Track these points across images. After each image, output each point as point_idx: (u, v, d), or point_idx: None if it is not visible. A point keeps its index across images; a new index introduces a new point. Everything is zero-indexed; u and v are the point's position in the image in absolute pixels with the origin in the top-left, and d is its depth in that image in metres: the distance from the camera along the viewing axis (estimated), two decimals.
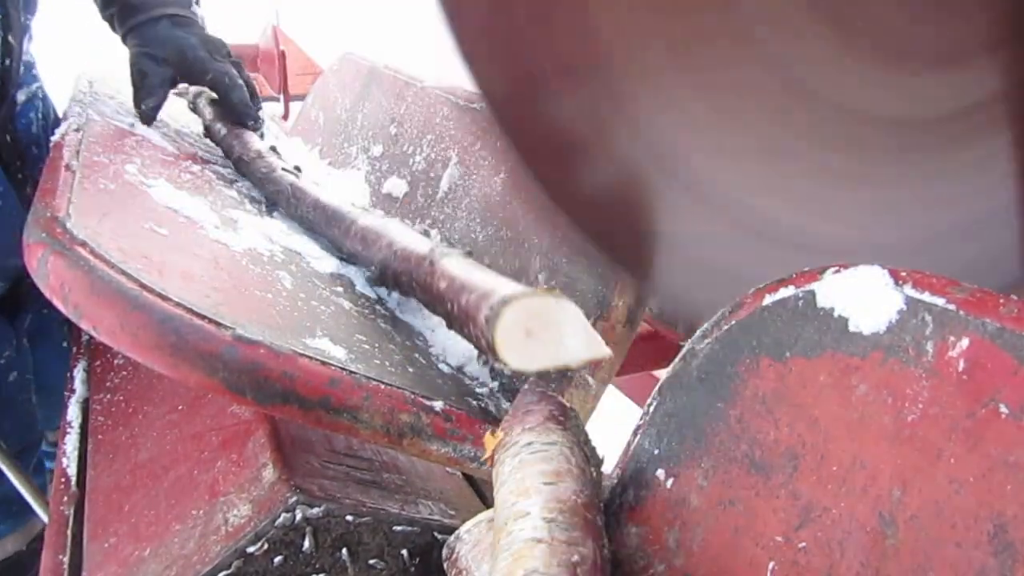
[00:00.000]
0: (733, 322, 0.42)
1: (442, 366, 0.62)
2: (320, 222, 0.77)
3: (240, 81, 1.03)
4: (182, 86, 1.14)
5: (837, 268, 0.38)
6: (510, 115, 0.54)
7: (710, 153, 0.55)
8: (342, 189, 1.00)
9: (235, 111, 1.02)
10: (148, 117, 0.95)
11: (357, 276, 0.76)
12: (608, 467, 0.49)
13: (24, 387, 1.03)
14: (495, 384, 0.61)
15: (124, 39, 1.00)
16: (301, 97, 1.49)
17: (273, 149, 0.94)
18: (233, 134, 1.00)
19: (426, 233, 0.77)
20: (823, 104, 0.54)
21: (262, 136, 1.04)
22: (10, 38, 0.90)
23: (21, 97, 0.99)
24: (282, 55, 1.86)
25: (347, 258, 0.74)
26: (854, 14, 0.52)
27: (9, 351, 1.00)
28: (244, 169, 0.92)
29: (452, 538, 0.47)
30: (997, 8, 0.53)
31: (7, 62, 0.91)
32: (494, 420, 0.54)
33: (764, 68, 0.53)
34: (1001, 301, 0.32)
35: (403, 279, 0.63)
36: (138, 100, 0.96)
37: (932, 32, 0.53)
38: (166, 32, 0.97)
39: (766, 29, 0.51)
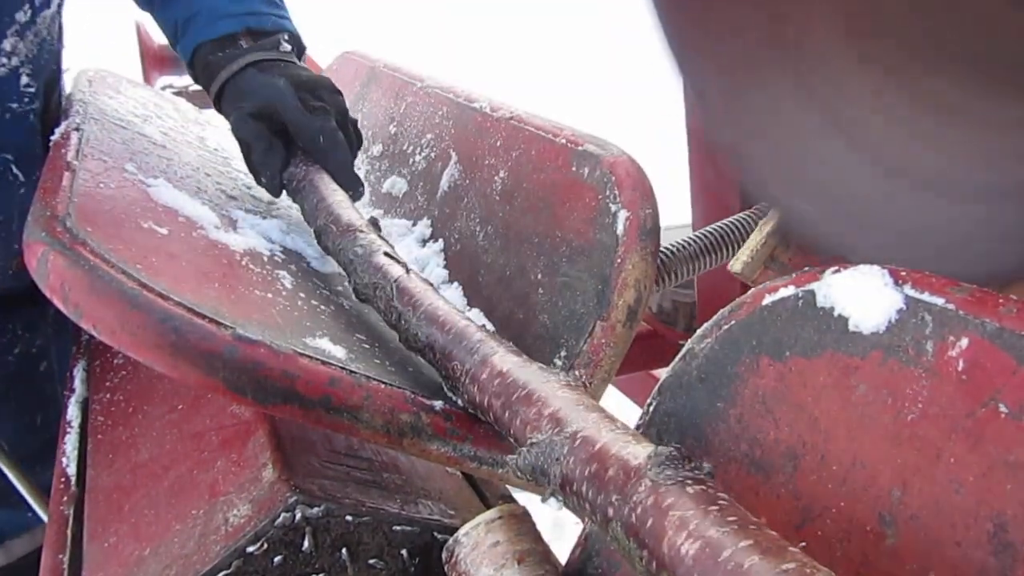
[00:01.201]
0: (733, 322, 0.42)
1: None
2: (437, 342, 0.54)
3: (340, 138, 0.81)
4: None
5: (837, 268, 0.38)
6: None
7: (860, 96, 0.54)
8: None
9: (333, 178, 0.78)
10: (274, 192, 0.82)
11: None
12: None
13: (51, 378, 1.02)
14: None
15: (220, 109, 0.86)
16: None
17: (373, 222, 0.68)
18: (314, 189, 0.75)
19: None
20: (967, 50, 0.54)
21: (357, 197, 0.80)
22: (61, 22, 0.88)
23: (66, 83, 0.94)
24: None
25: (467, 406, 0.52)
26: None
27: (41, 340, 0.98)
28: (328, 242, 0.68)
29: (451, 541, 0.47)
30: None
31: (60, 47, 0.89)
32: None
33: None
34: (1000, 301, 0.32)
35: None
36: (256, 177, 0.82)
37: None
38: (248, 84, 0.82)
39: None
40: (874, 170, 0.57)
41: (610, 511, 0.35)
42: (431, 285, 0.60)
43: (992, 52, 0.55)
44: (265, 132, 0.80)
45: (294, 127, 0.80)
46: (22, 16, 0.79)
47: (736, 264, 0.73)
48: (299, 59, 0.89)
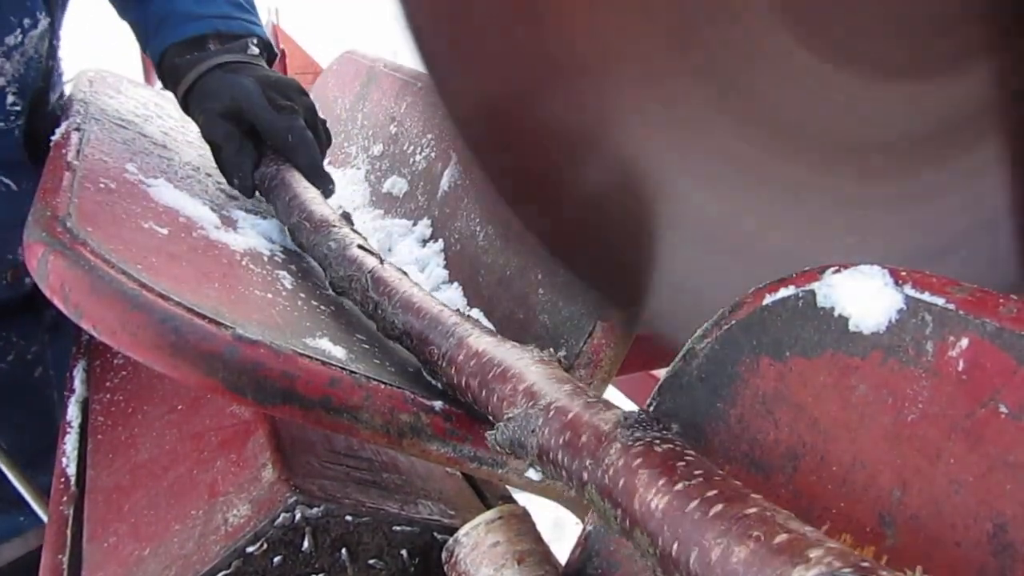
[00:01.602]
0: (733, 322, 0.42)
1: None
2: (413, 328, 0.55)
3: (309, 136, 0.81)
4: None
5: (837, 268, 0.38)
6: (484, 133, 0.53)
7: (693, 173, 0.54)
8: (342, 189, 1.01)
9: (304, 176, 0.79)
10: (246, 192, 0.82)
11: None
12: None
13: (48, 383, 1.03)
14: None
15: (188, 111, 0.87)
16: None
17: (345, 216, 0.69)
18: (286, 186, 0.75)
19: None
20: (807, 123, 0.53)
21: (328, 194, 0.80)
22: (54, 41, 0.89)
23: (52, 97, 0.94)
24: (282, 54, 1.86)
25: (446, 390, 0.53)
26: (831, 27, 0.51)
27: (36, 346, 0.99)
28: (302, 239, 0.69)
29: (451, 541, 0.47)
30: (977, 19, 0.52)
31: (50, 64, 0.89)
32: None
33: (743, 90, 0.52)
34: (1001, 301, 0.32)
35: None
36: (227, 179, 0.82)
37: (912, 44, 0.53)
38: (215, 85, 0.82)
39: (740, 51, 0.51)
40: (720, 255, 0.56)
41: (585, 475, 0.37)
42: (405, 274, 0.61)
43: (827, 129, 0.54)
44: (235, 132, 0.81)
45: (263, 126, 0.80)
46: (12, 40, 0.81)
47: None
48: (269, 64, 0.90)
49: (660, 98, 0.52)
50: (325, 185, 0.80)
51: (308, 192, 0.75)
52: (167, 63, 0.87)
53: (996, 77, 0.53)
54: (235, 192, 0.84)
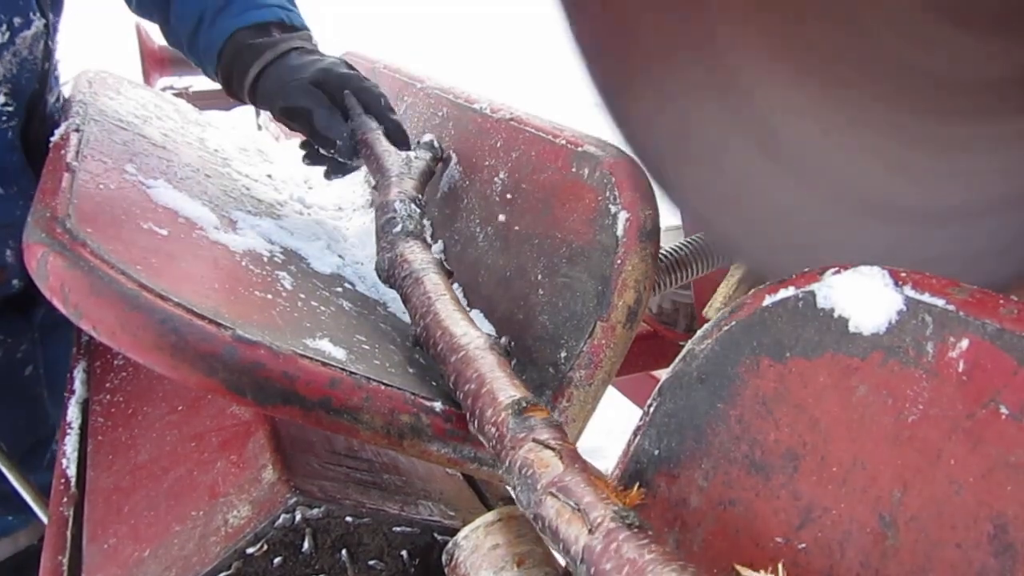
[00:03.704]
0: (733, 323, 0.42)
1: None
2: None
3: (389, 101, 0.85)
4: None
5: (837, 268, 0.38)
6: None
7: (794, 114, 0.55)
8: (342, 189, 1.01)
9: (389, 134, 0.81)
10: (347, 153, 0.81)
11: (357, 277, 0.76)
12: (608, 467, 0.49)
13: (38, 382, 1.03)
14: None
15: (253, 94, 0.87)
16: None
17: (442, 264, 0.64)
18: (389, 238, 0.66)
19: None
20: (900, 67, 0.54)
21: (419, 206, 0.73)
22: (50, 43, 0.89)
23: (50, 99, 0.94)
24: None
25: None
26: None
27: (26, 344, 0.99)
28: (396, 285, 0.63)
29: (451, 544, 0.47)
30: None
31: (46, 66, 0.89)
32: None
33: (847, 35, 0.52)
34: (1001, 302, 0.32)
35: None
36: (324, 143, 0.82)
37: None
38: (297, 61, 0.85)
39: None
40: (812, 194, 0.57)
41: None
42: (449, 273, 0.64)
43: (927, 71, 0.55)
44: (324, 98, 0.83)
45: (358, 91, 0.84)
46: (0, 38, 0.80)
47: (710, 310, 0.74)
48: None
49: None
50: (408, 144, 0.83)
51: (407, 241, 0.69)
52: (232, 46, 0.88)
53: None
54: (235, 193, 0.84)
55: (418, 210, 0.70)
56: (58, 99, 0.97)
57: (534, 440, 0.41)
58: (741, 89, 0.56)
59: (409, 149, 0.82)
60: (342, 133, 0.81)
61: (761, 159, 0.57)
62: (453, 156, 0.84)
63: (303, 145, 0.90)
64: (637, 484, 0.44)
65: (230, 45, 0.88)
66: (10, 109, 0.85)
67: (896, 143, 0.56)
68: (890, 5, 0.53)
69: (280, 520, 0.49)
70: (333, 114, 0.82)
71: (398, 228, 0.66)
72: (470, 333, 0.51)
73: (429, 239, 0.69)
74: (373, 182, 0.82)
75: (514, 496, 0.41)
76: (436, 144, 0.82)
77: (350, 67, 0.87)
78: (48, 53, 0.89)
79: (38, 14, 0.84)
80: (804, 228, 0.58)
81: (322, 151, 0.85)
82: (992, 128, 0.57)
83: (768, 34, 0.54)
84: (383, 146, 0.79)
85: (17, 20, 0.81)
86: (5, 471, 0.86)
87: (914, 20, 0.53)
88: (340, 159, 0.83)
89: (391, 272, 0.63)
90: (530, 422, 0.43)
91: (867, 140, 0.56)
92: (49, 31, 0.87)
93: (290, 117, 0.84)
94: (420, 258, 0.62)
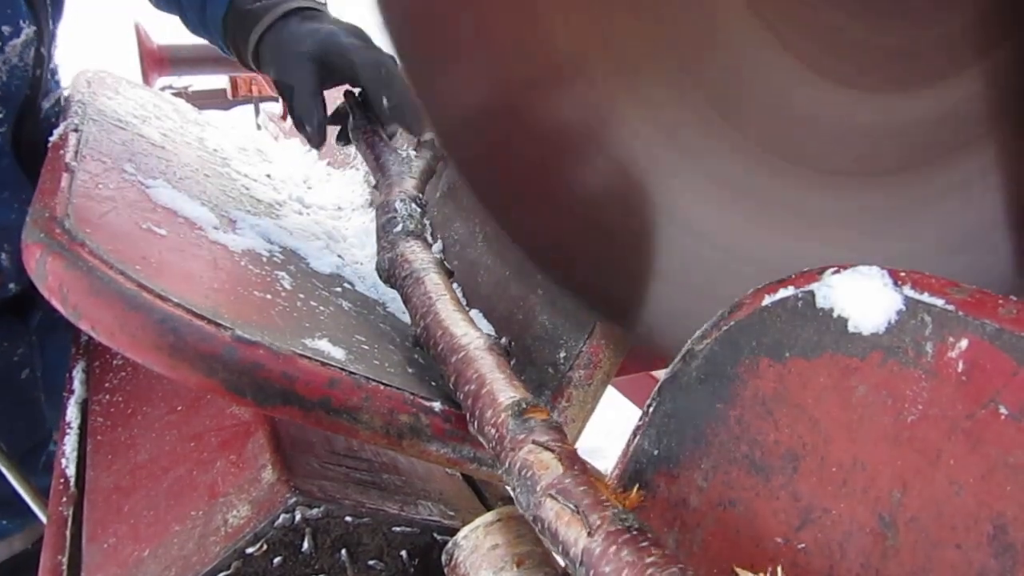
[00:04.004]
0: (732, 322, 0.42)
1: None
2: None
3: (397, 70, 0.75)
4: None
5: (836, 268, 0.38)
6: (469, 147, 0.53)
7: (681, 175, 0.54)
8: (341, 189, 1.01)
9: (392, 115, 0.76)
10: (316, 141, 0.79)
11: (356, 277, 0.76)
12: (608, 467, 0.49)
13: (35, 385, 1.03)
14: None
15: (256, 60, 0.84)
16: None
17: (442, 263, 0.63)
18: (390, 236, 0.66)
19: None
20: (800, 122, 0.53)
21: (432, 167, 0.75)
22: (42, 49, 0.89)
23: (45, 104, 0.94)
24: None
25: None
26: (809, 30, 0.50)
27: (23, 347, 0.99)
28: (396, 285, 0.63)
29: (450, 544, 0.47)
30: (964, 17, 0.51)
31: (38, 72, 0.89)
32: None
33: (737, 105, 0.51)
34: (1000, 302, 0.32)
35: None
36: (297, 124, 0.79)
37: (898, 46, 0.52)
38: (296, 28, 0.80)
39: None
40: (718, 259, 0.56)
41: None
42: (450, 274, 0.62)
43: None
44: (311, 79, 0.79)
45: (358, 61, 0.78)
46: None
47: None
48: None
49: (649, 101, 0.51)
50: (419, 118, 0.76)
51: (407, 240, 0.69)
52: (236, 13, 0.85)
53: (991, 78, 0.53)
54: (234, 193, 0.84)
55: (419, 210, 0.69)
56: (56, 103, 0.97)
57: (534, 442, 0.41)
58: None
59: (418, 118, 0.76)
60: (313, 121, 0.78)
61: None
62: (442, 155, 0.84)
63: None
64: (636, 486, 0.44)
65: (232, 12, 0.86)
66: (0, 116, 0.85)
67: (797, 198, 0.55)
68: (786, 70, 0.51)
69: (280, 520, 0.49)
70: (315, 98, 0.79)
71: (398, 228, 0.66)
72: (470, 333, 0.51)
73: (430, 238, 0.68)
74: (373, 181, 0.82)
75: (514, 497, 0.41)
76: (437, 143, 0.80)
77: (355, 34, 0.80)
78: (41, 59, 0.88)
79: (28, 22, 0.83)
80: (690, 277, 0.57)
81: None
82: (942, 179, 0.56)
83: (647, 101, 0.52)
84: (383, 145, 0.78)
85: (6, 29, 0.81)
86: (5, 472, 0.86)
87: (792, 83, 0.51)
88: (310, 144, 0.81)
89: (391, 272, 0.63)
90: (530, 423, 0.43)
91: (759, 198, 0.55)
92: (42, 38, 0.87)
93: (279, 91, 0.82)
94: (421, 258, 0.61)
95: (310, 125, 0.79)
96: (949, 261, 0.58)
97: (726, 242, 0.55)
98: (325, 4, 0.88)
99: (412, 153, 0.78)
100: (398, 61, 0.52)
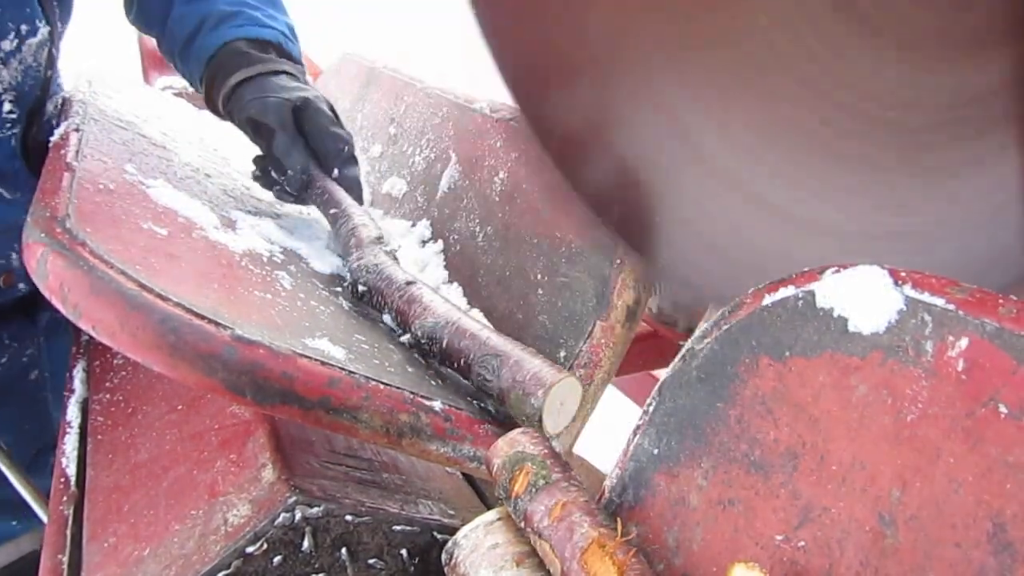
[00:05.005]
0: (733, 322, 0.42)
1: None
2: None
3: (354, 153, 0.86)
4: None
5: (837, 268, 0.38)
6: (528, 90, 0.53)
7: (723, 136, 0.55)
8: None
9: (342, 185, 0.83)
10: (295, 184, 0.83)
11: None
12: (608, 467, 0.49)
13: (43, 386, 1.03)
14: None
15: (228, 99, 0.88)
16: None
17: (392, 256, 0.72)
18: (333, 197, 0.79)
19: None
20: (833, 92, 0.54)
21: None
22: (53, 50, 0.89)
23: (50, 107, 0.95)
24: None
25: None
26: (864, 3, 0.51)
27: (32, 348, 1.00)
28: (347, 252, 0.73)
29: (450, 543, 0.47)
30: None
31: (49, 73, 0.90)
32: (493, 420, 0.54)
33: (774, 56, 0.52)
34: (1000, 301, 0.32)
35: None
36: (277, 168, 0.84)
37: (939, 21, 0.53)
38: (283, 81, 0.86)
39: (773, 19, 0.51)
40: (766, 221, 0.57)
41: None
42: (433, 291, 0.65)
43: (881, 102, 0.55)
44: (293, 127, 0.83)
45: (325, 133, 0.83)
46: (7, 45, 0.81)
47: None
48: None
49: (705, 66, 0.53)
50: (359, 196, 0.83)
51: (353, 209, 0.79)
52: (229, 51, 0.88)
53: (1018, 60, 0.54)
54: (235, 193, 0.84)
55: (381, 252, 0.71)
56: (57, 104, 0.98)
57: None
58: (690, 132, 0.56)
59: (360, 196, 0.83)
60: (295, 165, 0.82)
61: (707, 187, 0.57)
62: (453, 156, 0.84)
63: (256, 160, 0.89)
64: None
65: (225, 50, 0.89)
66: (13, 116, 0.86)
67: (846, 171, 0.56)
68: (832, 34, 0.53)
69: (280, 519, 0.49)
70: (295, 143, 0.83)
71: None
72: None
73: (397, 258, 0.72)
74: (373, 181, 0.83)
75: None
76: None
77: (331, 108, 0.86)
78: (51, 60, 0.89)
79: (43, 22, 0.84)
80: (755, 250, 0.58)
81: (274, 174, 0.85)
82: (963, 152, 0.57)
83: (700, 66, 0.54)
84: (339, 192, 0.81)
85: (24, 27, 0.82)
86: (7, 473, 0.86)
87: (861, 48, 0.53)
88: (287, 189, 0.84)
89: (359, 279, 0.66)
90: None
91: (792, 160, 0.56)
92: (53, 39, 0.87)
93: (254, 130, 0.85)
94: (391, 271, 0.66)
95: (291, 169, 0.82)
96: (966, 242, 0.59)
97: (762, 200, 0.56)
98: (309, 81, 0.93)
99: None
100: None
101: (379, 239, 0.72)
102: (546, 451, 0.46)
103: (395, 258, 0.70)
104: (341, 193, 0.80)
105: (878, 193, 0.58)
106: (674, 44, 0.52)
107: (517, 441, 0.46)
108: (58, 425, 1.06)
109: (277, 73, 0.86)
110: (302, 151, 0.83)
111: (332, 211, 0.79)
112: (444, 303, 0.61)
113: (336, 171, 0.83)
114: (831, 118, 0.55)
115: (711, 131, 0.54)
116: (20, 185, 0.88)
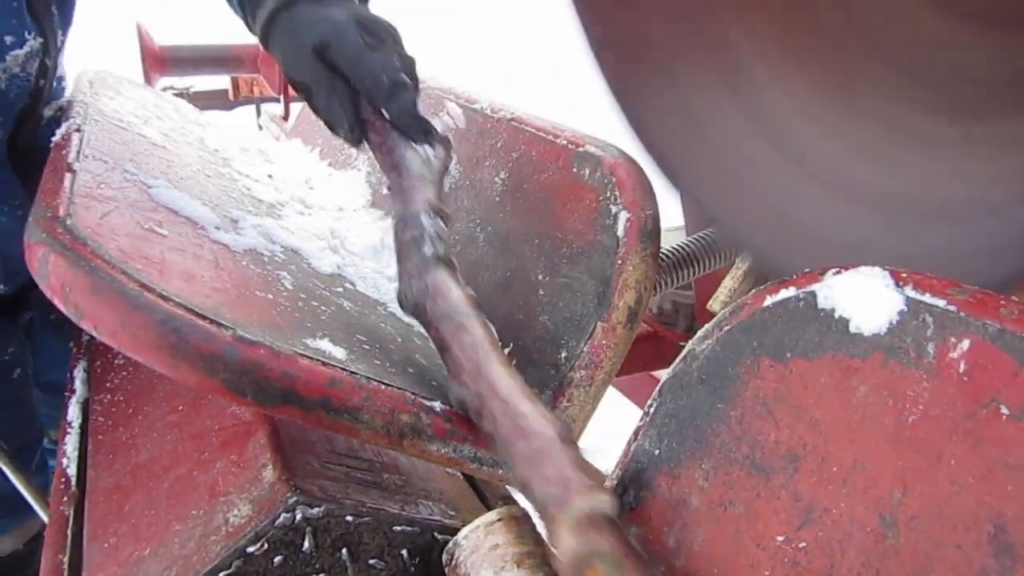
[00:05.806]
0: (734, 323, 0.42)
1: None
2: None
3: (404, 78, 0.69)
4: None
5: (838, 269, 0.38)
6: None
7: (798, 109, 0.56)
8: (342, 189, 1.01)
9: (396, 123, 0.68)
10: (353, 141, 0.71)
11: (357, 276, 0.76)
12: (608, 467, 0.49)
13: (27, 384, 1.03)
14: None
15: (268, 46, 0.74)
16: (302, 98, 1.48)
17: (475, 300, 0.57)
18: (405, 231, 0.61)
19: None
20: (906, 63, 0.55)
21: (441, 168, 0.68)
22: (47, 60, 0.89)
23: (48, 112, 0.94)
24: None
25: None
26: None
27: (13, 347, 1.00)
28: (424, 320, 0.57)
29: (451, 544, 0.47)
30: None
31: (41, 82, 0.89)
32: None
33: (852, 31, 0.53)
34: (1002, 303, 0.32)
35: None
36: (329, 127, 0.71)
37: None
38: (306, 15, 0.70)
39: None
40: (819, 189, 0.58)
41: None
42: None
43: (934, 68, 0.55)
44: (325, 73, 0.70)
45: (351, 66, 0.69)
46: None
47: (715, 304, 0.74)
48: None
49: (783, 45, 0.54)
50: (421, 131, 0.69)
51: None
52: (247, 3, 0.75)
53: None
54: (235, 193, 0.84)
55: (445, 228, 0.62)
56: (59, 109, 0.97)
57: None
58: (750, 86, 0.57)
59: (423, 132, 0.69)
60: (342, 119, 0.69)
61: (766, 153, 0.58)
62: (453, 156, 0.84)
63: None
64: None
65: None
66: None
67: (900, 140, 0.57)
68: (895, 2, 0.54)
69: (280, 519, 0.49)
70: (333, 94, 0.70)
71: (427, 251, 0.58)
72: (540, 420, 0.45)
73: (455, 261, 0.61)
74: (375, 181, 0.80)
75: None
76: (446, 133, 0.71)
77: (368, 27, 0.70)
78: (45, 70, 0.88)
79: (34, 33, 0.83)
80: (801, 218, 0.59)
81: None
82: (1000, 126, 0.57)
83: (776, 33, 0.55)
84: (396, 136, 0.68)
85: (9, 39, 0.81)
86: (6, 470, 0.86)
87: (920, 17, 0.54)
88: (348, 144, 0.72)
89: (419, 304, 0.56)
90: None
91: (871, 136, 0.57)
92: (48, 49, 0.87)
93: (294, 89, 0.73)
94: (456, 296, 0.55)
95: (340, 126, 0.70)
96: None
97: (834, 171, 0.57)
98: None
99: (430, 151, 0.69)
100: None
101: (442, 259, 0.59)
102: (619, 542, 0.37)
103: (453, 266, 0.60)
104: (396, 141, 0.67)
105: (948, 167, 0.58)
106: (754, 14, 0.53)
107: (582, 528, 0.37)
108: (41, 423, 1.06)
109: (295, 2, 0.71)
110: (344, 100, 0.69)
111: (388, 184, 0.67)
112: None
113: (385, 114, 0.69)
114: (901, 87, 0.55)
115: (784, 100, 0.55)
116: (6, 192, 0.87)
